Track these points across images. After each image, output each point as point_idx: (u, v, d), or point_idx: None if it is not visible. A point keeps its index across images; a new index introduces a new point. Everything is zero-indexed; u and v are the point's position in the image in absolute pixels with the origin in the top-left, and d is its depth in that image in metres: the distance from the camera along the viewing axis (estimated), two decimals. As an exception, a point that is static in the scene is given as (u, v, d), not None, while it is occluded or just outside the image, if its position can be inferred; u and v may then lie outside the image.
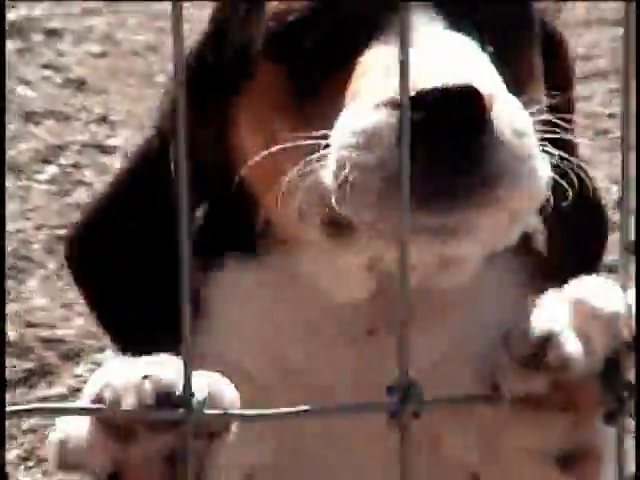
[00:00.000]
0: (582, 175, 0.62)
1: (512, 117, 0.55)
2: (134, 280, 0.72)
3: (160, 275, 0.66)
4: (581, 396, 0.48)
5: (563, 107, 0.66)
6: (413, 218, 0.47)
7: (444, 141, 0.52)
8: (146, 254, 0.70)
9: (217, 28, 0.69)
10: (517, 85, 0.60)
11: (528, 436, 0.51)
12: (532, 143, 0.55)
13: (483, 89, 0.52)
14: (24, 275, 1.55)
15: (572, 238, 0.72)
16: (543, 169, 0.56)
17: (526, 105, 0.57)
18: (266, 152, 0.60)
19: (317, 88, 0.61)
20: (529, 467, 0.53)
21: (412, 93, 0.49)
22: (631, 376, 0.48)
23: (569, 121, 0.64)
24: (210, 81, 0.68)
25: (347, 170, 0.55)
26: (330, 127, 0.57)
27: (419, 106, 0.50)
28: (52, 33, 2.18)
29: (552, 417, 0.49)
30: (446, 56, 0.55)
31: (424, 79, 0.51)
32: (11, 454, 1.23)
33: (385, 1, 0.59)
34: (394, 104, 0.53)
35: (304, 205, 0.59)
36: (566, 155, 0.59)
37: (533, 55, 0.65)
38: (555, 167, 0.59)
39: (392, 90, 0.52)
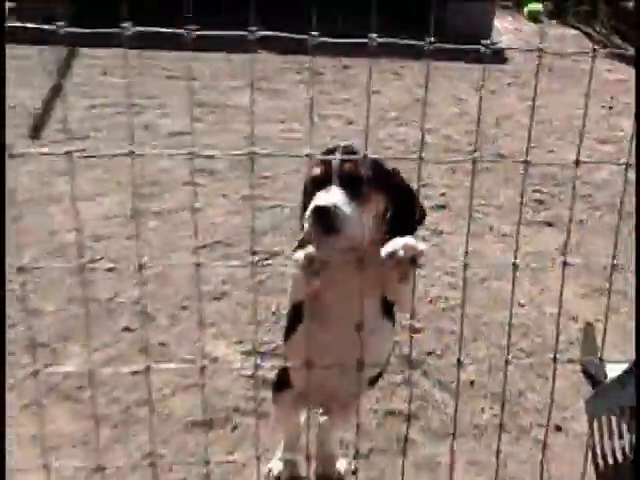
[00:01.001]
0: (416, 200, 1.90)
1: (344, 212, 1.75)
2: None
3: None
4: (403, 264, 1.77)
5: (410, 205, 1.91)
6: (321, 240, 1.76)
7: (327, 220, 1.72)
8: None
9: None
10: (361, 206, 1.78)
11: (397, 270, 1.83)
12: (349, 221, 1.75)
13: (339, 205, 1.74)
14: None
15: (407, 221, 1.92)
16: (354, 227, 1.76)
17: (363, 209, 1.80)
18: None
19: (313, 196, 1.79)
20: (391, 276, 1.90)
21: (317, 203, 1.74)
22: (414, 262, 1.91)
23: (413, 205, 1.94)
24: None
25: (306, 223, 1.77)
26: None
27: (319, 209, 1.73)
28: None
29: (400, 268, 1.81)
30: (334, 195, 1.75)
31: (322, 200, 1.74)
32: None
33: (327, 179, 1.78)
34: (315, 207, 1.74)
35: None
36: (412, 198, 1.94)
37: (369, 195, 1.80)
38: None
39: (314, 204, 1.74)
